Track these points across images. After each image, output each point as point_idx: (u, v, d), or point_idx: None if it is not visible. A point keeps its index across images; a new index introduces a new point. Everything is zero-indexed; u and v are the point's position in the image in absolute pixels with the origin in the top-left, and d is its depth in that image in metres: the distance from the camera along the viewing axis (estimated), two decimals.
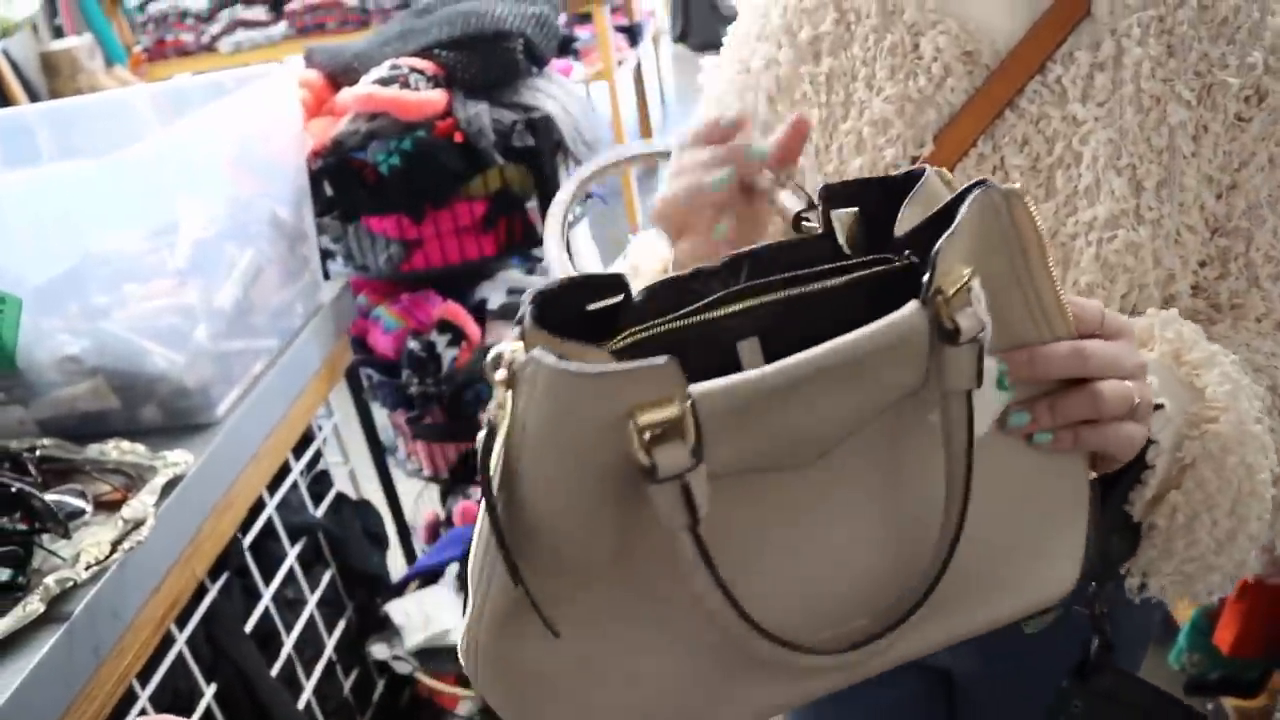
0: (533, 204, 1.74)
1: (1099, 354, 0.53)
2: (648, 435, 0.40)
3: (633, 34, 4.51)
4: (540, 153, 1.66)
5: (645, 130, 4.77)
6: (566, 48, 3.80)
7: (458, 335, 1.80)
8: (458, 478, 1.91)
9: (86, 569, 0.95)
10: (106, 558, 0.97)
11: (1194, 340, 0.67)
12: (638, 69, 4.71)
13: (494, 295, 1.91)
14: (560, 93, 1.73)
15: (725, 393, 0.42)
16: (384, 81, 1.58)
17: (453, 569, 1.63)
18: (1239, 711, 1.69)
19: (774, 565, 0.49)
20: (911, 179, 0.51)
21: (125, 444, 1.15)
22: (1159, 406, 0.62)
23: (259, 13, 3.85)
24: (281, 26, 3.83)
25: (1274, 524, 0.70)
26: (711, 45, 4.69)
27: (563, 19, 3.93)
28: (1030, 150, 0.74)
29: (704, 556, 0.43)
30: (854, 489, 0.49)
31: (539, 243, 1.79)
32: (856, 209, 0.54)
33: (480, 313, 1.87)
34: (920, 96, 0.76)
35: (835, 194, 0.54)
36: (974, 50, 0.75)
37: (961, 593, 0.53)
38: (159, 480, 1.08)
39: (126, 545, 0.99)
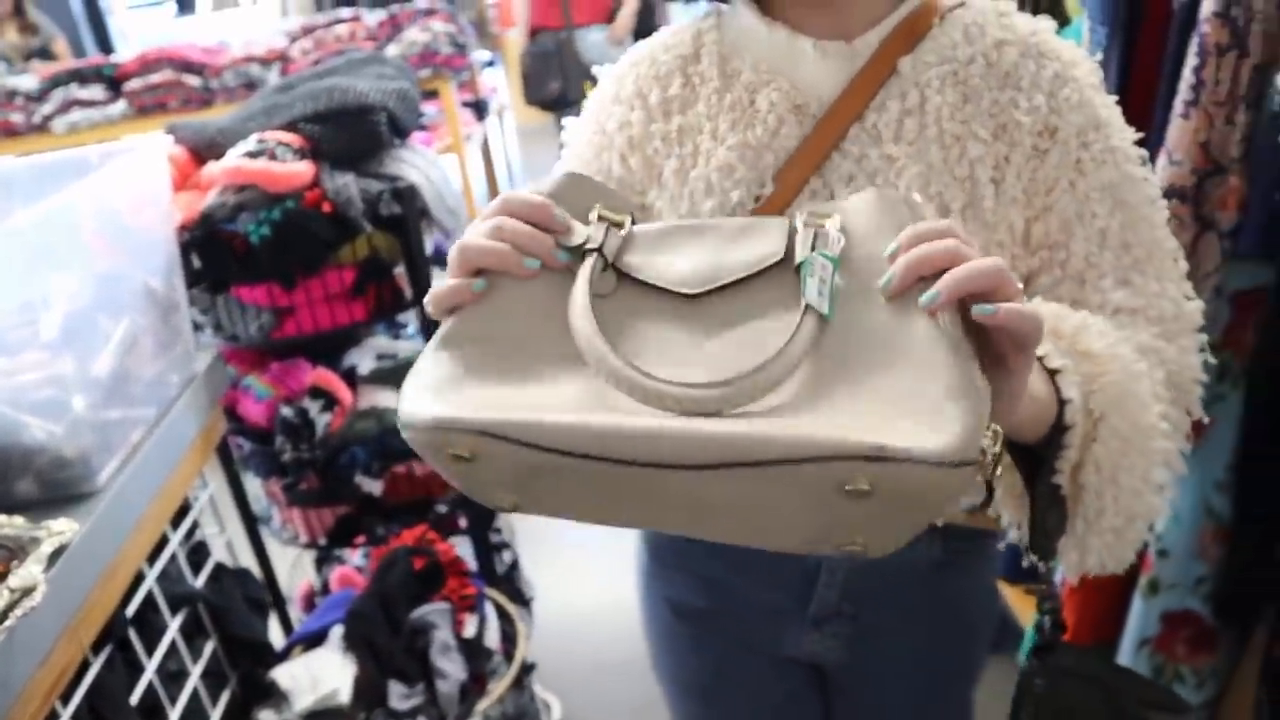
0: (400, 270, 1.79)
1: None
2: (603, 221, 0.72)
3: (479, 109, 4.61)
4: (406, 220, 1.73)
5: None
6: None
7: (330, 401, 1.82)
8: (335, 543, 1.91)
9: None
10: None
11: (1065, 313, 0.79)
12: (485, 143, 4.81)
13: (364, 361, 1.94)
14: (423, 163, 1.80)
15: (656, 227, 0.72)
16: (251, 155, 1.62)
17: (337, 630, 1.63)
18: None
19: (653, 346, 0.66)
20: None
21: (2, 517, 1.14)
22: (1058, 371, 0.73)
23: (95, 92, 3.78)
24: (120, 105, 3.77)
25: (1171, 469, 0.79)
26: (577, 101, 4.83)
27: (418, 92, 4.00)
28: (855, 185, 0.85)
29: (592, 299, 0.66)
30: (731, 315, 0.67)
31: (407, 307, 1.84)
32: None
33: (351, 378, 1.90)
34: (759, 144, 0.87)
35: None
36: (803, 103, 0.87)
37: (822, 396, 0.60)
38: (45, 549, 1.08)
39: (19, 612, 0.99)
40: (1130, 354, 0.77)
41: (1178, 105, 1.24)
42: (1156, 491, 0.78)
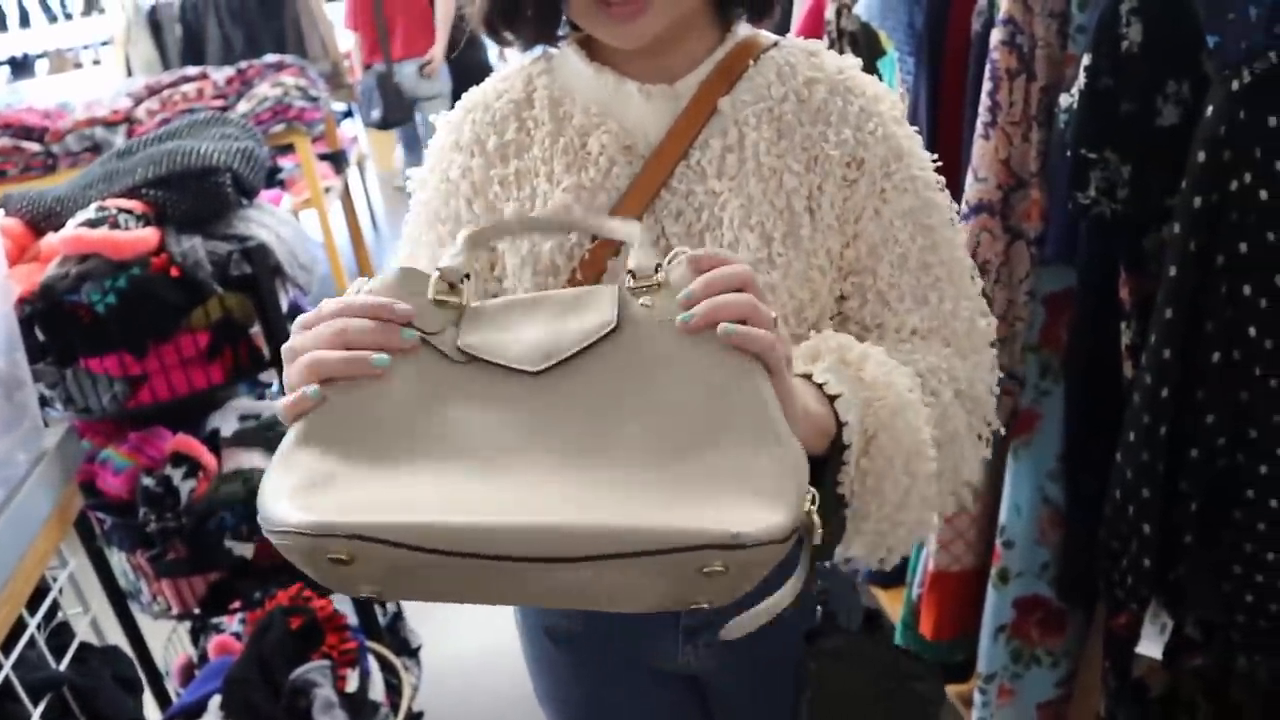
0: (256, 329, 1.78)
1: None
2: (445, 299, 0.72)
3: (337, 161, 4.58)
4: (258, 280, 1.72)
5: (360, 252, 4.82)
6: (272, 178, 3.82)
7: (193, 466, 1.79)
8: (210, 611, 1.87)
9: None
10: None
11: (851, 344, 0.85)
12: (346, 194, 4.77)
13: (226, 423, 1.91)
14: (272, 221, 1.79)
15: (493, 304, 0.73)
16: (92, 223, 1.59)
17: (215, 700, 1.60)
18: (958, 695, 1.94)
19: (506, 427, 0.66)
20: None
21: None
22: (839, 396, 0.80)
23: None
24: None
25: (940, 489, 0.88)
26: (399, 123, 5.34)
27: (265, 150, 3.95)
28: (684, 219, 0.91)
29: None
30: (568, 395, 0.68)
31: (266, 367, 1.82)
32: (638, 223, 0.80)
33: (214, 442, 1.86)
34: (592, 185, 0.92)
35: None
36: (631, 144, 0.92)
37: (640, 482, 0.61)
38: None
39: None
40: (906, 382, 0.84)
41: (978, 127, 1.34)
42: (921, 504, 0.86)
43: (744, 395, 0.65)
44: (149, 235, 1.64)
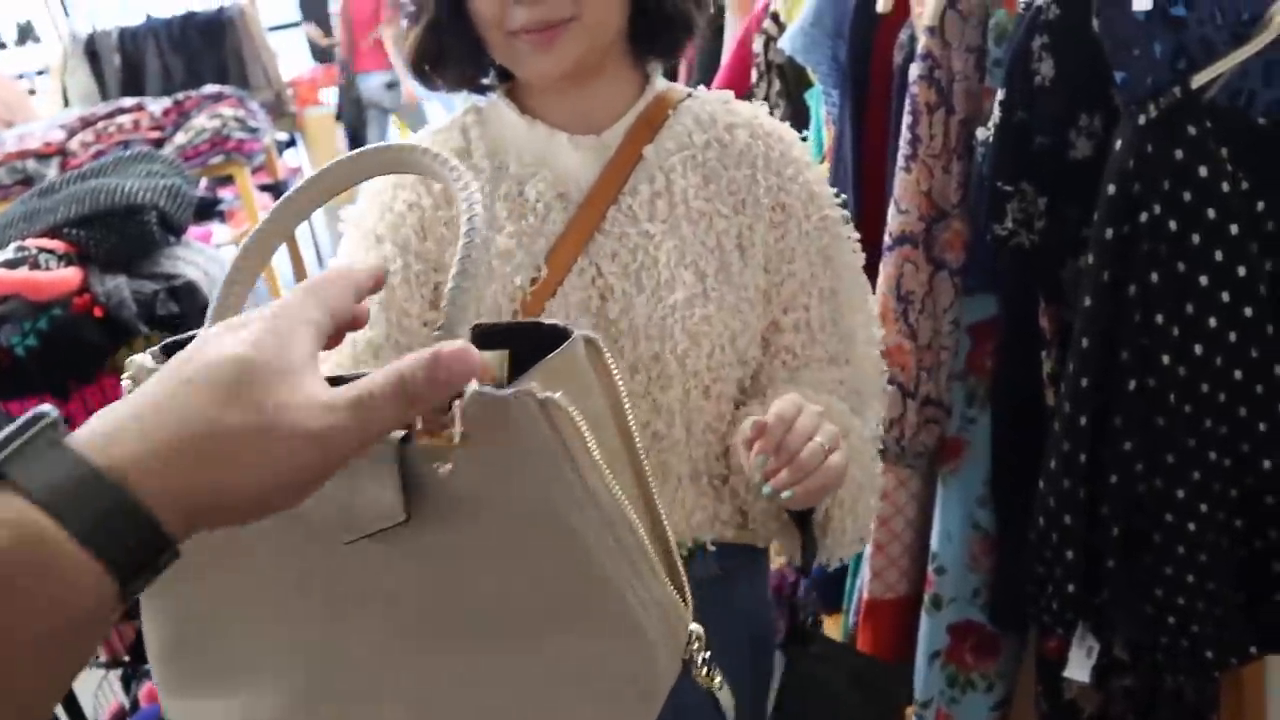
0: None
1: (797, 425, 0.84)
2: None
3: (278, 192, 4.54)
4: (186, 318, 1.69)
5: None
6: (210, 212, 3.78)
7: None
8: (141, 658, 1.83)
9: None
10: None
11: (812, 397, 0.94)
12: None
13: None
14: (201, 259, 1.77)
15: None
16: (11, 264, 1.56)
17: None
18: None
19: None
20: (560, 336, 0.54)
21: None
22: None
23: None
24: None
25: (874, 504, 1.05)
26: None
27: (204, 183, 3.90)
28: (619, 260, 0.96)
29: None
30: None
31: None
32: (507, 351, 0.53)
33: None
34: (532, 230, 0.97)
35: (487, 335, 0.53)
36: (565, 191, 0.98)
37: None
38: None
39: None
40: (859, 424, 1.00)
41: (899, 160, 1.36)
42: (872, 512, 1.05)
43: (581, 582, 0.51)
44: (71, 275, 1.61)
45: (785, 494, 0.83)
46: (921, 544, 1.63)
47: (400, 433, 0.49)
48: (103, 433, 0.37)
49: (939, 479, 1.55)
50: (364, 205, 1.02)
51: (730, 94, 1.04)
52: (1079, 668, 1.40)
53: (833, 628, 2.02)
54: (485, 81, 1.02)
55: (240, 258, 0.58)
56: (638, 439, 0.57)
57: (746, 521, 1.05)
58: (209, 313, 0.58)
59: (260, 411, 0.38)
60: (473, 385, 0.46)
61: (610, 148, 0.98)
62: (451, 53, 0.96)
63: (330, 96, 6.65)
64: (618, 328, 0.97)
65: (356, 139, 6.11)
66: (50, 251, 1.61)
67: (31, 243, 1.62)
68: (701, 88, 1.04)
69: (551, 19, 0.89)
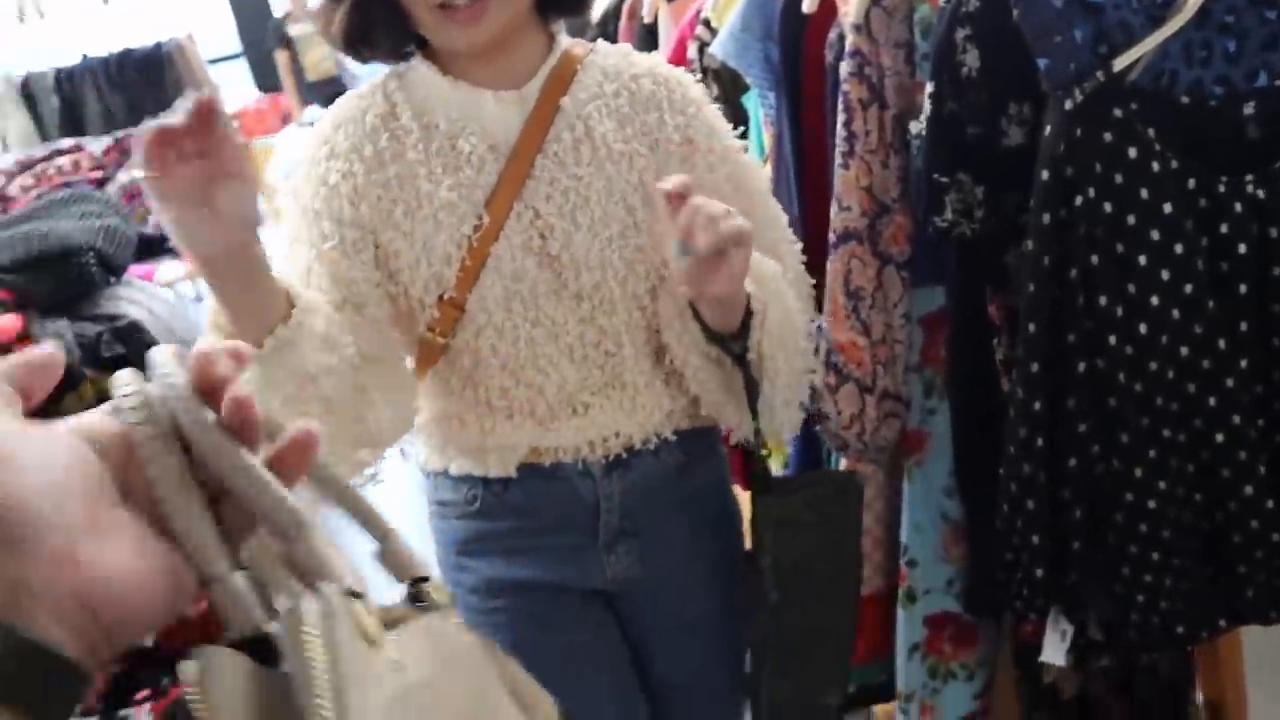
0: None
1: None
2: None
3: None
4: (132, 359, 1.66)
5: None
6: (159, 249, 3.73)
7: None
8: (115, 704, 1.79)
9: None
10: None
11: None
12: None
13: None
14: (143, 297, 1.75)
15: None
16: None
17: None
18: (885, 715, 1.94)
19: None
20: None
21: None
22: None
23: None
24: None
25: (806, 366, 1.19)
26: None
27: (153, 219, 3.85)
28: (553, 201, 1.07)
29: None
30: None
31: None
32: None
33: None
34: (470, 182, 1.06)
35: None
36: (495, 144, 1.07)
37: None
38: None
39: None
40: (780, 274, 1.14)
41: (837, 157, 1.36)
42: (806, 372, 1.19)
43: None
44: (11, 322, 1.59)
45: (686, 255, 0.95)
46: (892, 538, 1.62)
47: None
48: None
49: (904, 472, 1.55)
50: (301, 178, 1.09)
51: (628, 46, 1.18)
52: (1055, 651, 1.40)
53: None
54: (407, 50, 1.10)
55: None
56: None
57: (699, 408, 1.18)
58: None
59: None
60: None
61: (530, 100, 1.08)
62: (379, 27, 1.05)
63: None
64: (560, 262, 1.08)
65: None
66: None
67: None
68: (601, 41, 1.16)
69: None
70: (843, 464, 1.60)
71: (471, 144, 1.06)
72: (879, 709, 1.97)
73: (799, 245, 1.21)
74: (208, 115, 0.80)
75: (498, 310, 1.08)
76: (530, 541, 1.19)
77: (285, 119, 6.62)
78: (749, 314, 1.06)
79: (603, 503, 1.17)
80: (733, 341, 1.07)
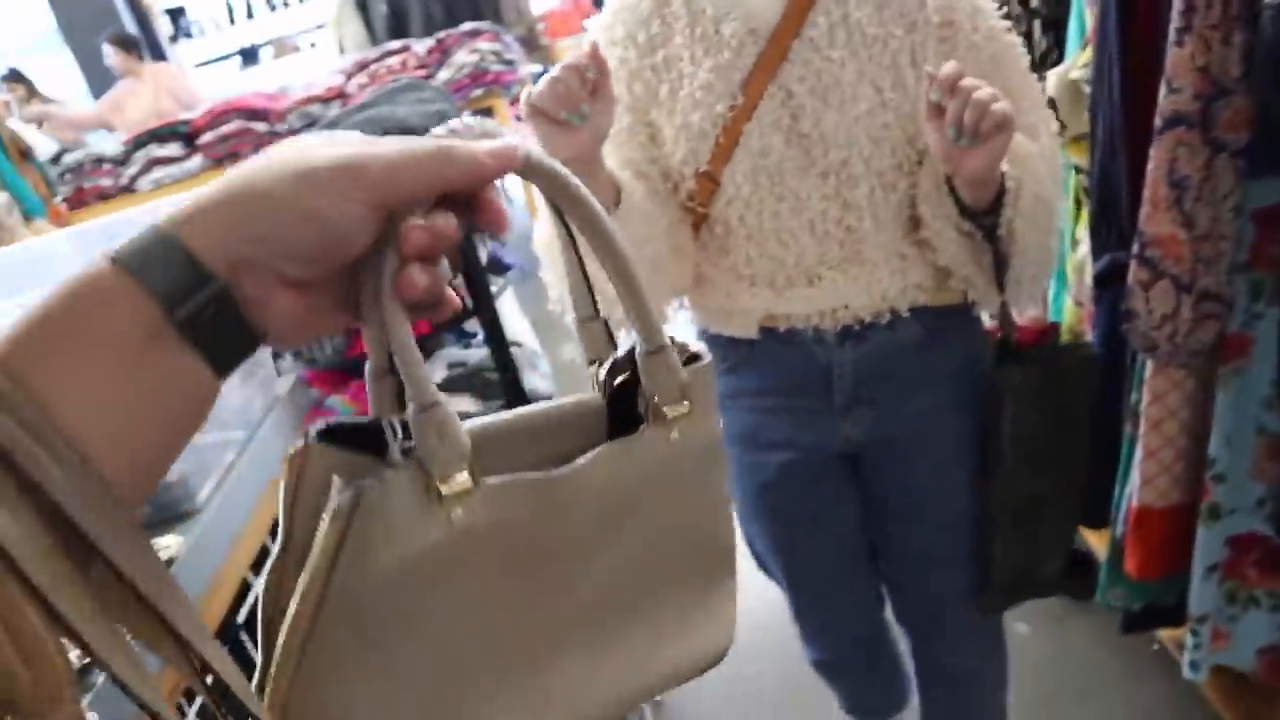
0: (458, 280, 1.89)
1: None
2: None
3: None
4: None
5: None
6: None
7: None
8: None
9: None
10: None
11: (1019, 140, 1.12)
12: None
13: (436, 371, 2.05)
14: None
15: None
16: None
17: None
18: (1171, 639, 1.85)
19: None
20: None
21: None
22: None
23: (173, 149, 4.00)
24: (197, 160, 3.98)
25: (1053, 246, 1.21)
26: None
27: (467, 115, 4.15)
28: (806, 83, 1.13)
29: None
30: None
31: (469, 316, 1.93)
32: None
33: None
34: (728, 64, 1.14)
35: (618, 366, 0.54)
36: (755, 28, 1.14)
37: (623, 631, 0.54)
38: None
39: None
40: (1037, 154, 1.15)
41: (1171, 33, 1.25)
42: (1052, 250, 1.21)
43: (714, 548, 0.57)
44: None
45: (963, 141, 1.01)
46: (1198, 449, 1.53)
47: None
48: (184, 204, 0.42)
49: (1218, 380, 1.45)
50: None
51: None
52: None
53: (1099, 543, 1.93)
54: None
55: None
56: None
57: (941, 286, 1.23)
58: None
59: (296, 171, 0.41)
60: (706, 357, 0.52)
61: None
62: None
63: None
64: (809, 140, 1.14)
65: None
66: None
67: None
68: None
69: None
70: (1148, 368, 1.52)
71: (733, 28, 1.14)
72: (1164, 634, 1.88)
73: (1056, 125, 1.23)
74: (596, 53, 1.01)
75: (745, 184, 1.16)
76: (774, 401, 1.29)
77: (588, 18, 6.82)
78: (1003, 191, 1.10)
79: (835, 369, 1.25)
80: (985, 217, 1.12)
